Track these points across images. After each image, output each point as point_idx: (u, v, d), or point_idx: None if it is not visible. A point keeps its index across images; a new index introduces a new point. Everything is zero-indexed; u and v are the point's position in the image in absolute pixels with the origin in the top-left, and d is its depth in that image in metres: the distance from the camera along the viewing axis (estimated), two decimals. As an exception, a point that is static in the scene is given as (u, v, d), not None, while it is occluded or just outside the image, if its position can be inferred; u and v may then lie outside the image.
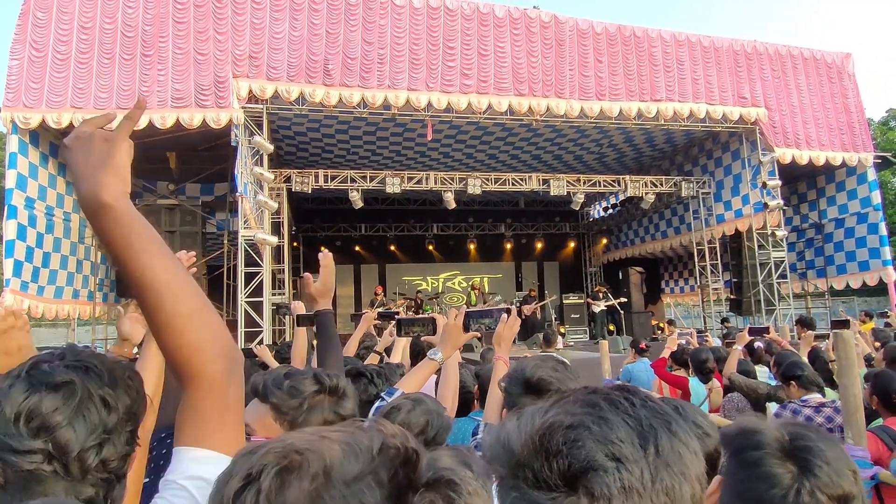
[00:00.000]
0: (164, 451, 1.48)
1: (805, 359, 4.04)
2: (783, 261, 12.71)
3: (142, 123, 9.06)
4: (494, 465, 0.56)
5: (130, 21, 9.40)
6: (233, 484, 0.53)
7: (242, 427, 0.96)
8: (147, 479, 1.40)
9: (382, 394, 1.90)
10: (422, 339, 2.83)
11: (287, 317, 9.71)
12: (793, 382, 3.43)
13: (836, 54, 13.47)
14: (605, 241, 19.34)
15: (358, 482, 0.53)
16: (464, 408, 2.42)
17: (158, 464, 1.45)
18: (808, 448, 0.89)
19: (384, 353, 3.41)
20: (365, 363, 2.94)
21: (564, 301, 15.98)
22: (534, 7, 11.32)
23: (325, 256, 1.94)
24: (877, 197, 13.13)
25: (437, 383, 2.62)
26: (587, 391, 0.59)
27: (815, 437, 0.91)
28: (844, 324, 4.69)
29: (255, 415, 1.35)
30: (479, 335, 2.08)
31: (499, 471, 0.55)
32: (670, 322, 11.95)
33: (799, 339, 5.26)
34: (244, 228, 9.76)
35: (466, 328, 2.04)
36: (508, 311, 2.04)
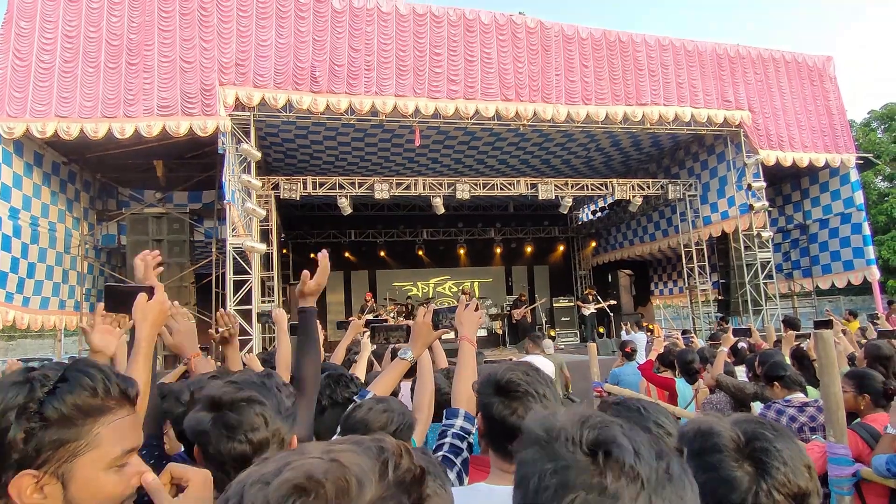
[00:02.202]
0: None
1: (787, 358, 4.10)
2: (769, 261, 12.85)
3: (127, 132, 9.06)
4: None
5: (115, 29, 9.35)
6: None
7: None
8: None
9: (355, 396, 1.91)
10: (397, 345, 2.85)
11: (269, 324, 9.66)
12: (776, 383, 3.48)
13: (817, 57, 13.67)
14: (593, 244, 19.45)
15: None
16: (438, 412, 2.44)
17: None
18: (764, 449, 0.91)
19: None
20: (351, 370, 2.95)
21: (554, 304, 16.05)
22: (519, 13, 11.41)
23: (324, 256, 1.95)
24: (860, 197, 13.31)
25: (412, 390, 2.64)
26: (603, 407, 0.68)
27: (772, 437, 0.92)
28: (827, 324, 4.77)
29: None
30: (450, 331, 2.08)
31: None
32: (637, 323, 12.12)
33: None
34: (232, 236, 9.72)
35: (436, 325, 2.04)
36: (467, 301, 2.05)
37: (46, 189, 10.11)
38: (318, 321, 1.96)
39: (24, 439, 0.83)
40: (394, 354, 2.66)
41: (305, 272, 1.89)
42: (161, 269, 1.76)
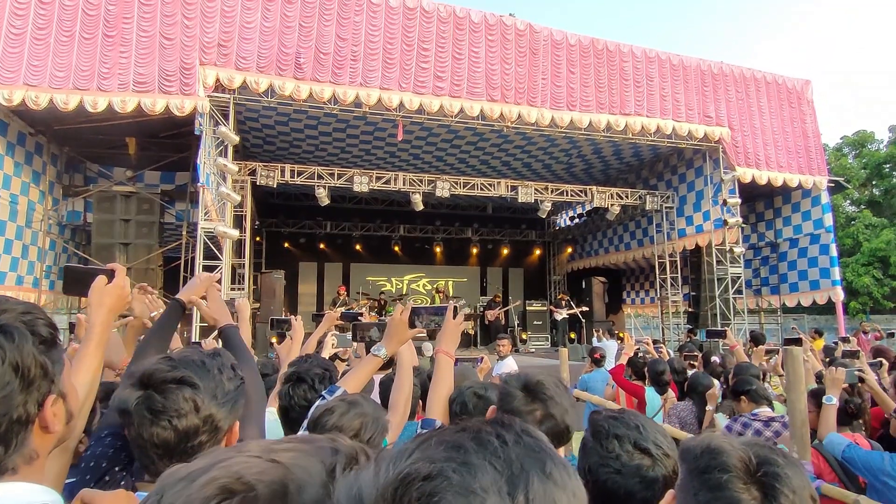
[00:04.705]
0: (98, 449, 1.39)
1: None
2: (739, 277, 13.08)
3: (100, 106, 8.75)
4: None
5: (93, -1, 9.04)
6: None
7: None
8: (72, 480, 1.32)
9: (323, 392, 1.83)
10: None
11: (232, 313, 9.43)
12: (743, 397, 3.50)
13: (796, 80, 13.97)
14: (569, 250, 19.58)
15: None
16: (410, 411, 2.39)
17: (88, 463, 1.36)
18: (775, 475, 0.86)
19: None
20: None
21: (527, 308, 16.10)
22: (510, 14, 11.38)
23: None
24: (829, 219, 13.65)
25: (381, 383, 2.58)
26: (457, 428, 0.51)
27: (783, 463, 0.88)
28: (797, 341, 4.82)
29: None
30: (424, 331, 2.03)
31: None
32: (609, 331, 12.21)
33: (750, 352, 5.40)
34: (204, 220, 9.48)
35: (412, 324, 1.98)
36: (456, 309, 2.00)
37: (10, 159, 9.71)
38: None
39: (45, 364, 0.89)
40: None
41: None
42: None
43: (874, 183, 31.67)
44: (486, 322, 15.05)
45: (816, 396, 3.13)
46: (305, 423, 1.67)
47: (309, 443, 0.54)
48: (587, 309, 14.54)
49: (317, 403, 1.74)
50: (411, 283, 18.84)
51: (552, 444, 1.49)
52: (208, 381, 1.18)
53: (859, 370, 3.26)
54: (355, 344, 3.35)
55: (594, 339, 10.66)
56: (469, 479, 0.45)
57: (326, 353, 3.25)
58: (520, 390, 1.48)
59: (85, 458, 1.35)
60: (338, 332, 3.58)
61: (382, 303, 15.11)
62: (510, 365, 6.44)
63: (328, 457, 0.53)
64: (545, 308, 16.03)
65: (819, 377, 3.91)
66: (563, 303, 14.95)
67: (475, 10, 11.07)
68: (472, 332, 15.81)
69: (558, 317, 14.70)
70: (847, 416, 3.02)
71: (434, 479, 0.45)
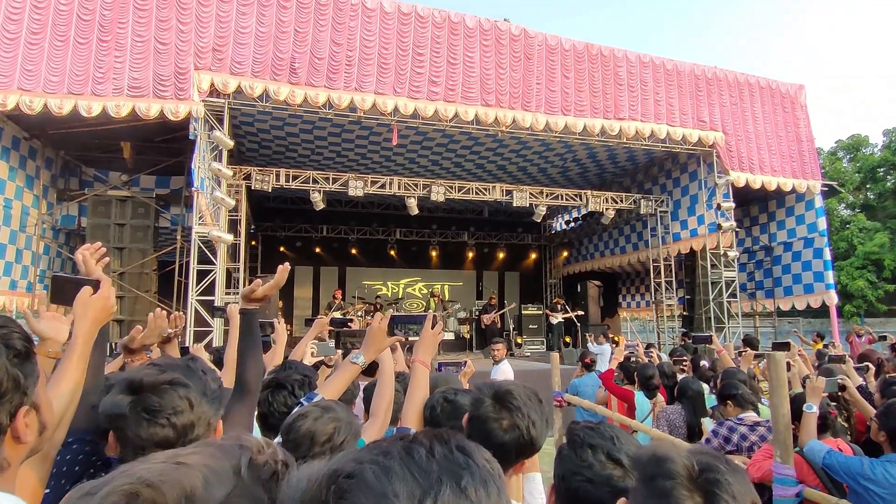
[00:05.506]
0: (67, 456, 1.41)
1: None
2: (734, 280, 13.12)
3: (95, 110, 8.76)
4: None
5: (88, 4, 9.05)
6: None
7: None
8: (48, 490, 1.34)
9: (302, 399, 1.86)
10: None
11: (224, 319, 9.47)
12: (729, 401, 3.53)
13: (790, 85, 14.05)
14: (565, 253, 19.62)
15: None
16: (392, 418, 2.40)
17: (61, 469, 1.38)
18: (715, 481, 0.89)
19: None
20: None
21: (523, 311, 16.11)
22: (504, 20, 11.43)
23: (283, 270, 1.93)
24: (823, 223, 13.71)
25: (364, 389, 2.59)
26: (398, 437, 0.55)
27: (724, 470, 0.91)
28: (784, 346, 4.85)
29: None
30: (402, 339, 2.07)
31: None
32: (603, 334, 12.20)
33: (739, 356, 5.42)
34: (199, 224, 9.49)
35: (391, 332, 2.01)
36: (434, 318, 2.02)
37: (4, 164, 9.71)
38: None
39: (17, 377, 0.90)
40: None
41: (258, 280, 1.87)
42: (106, 260, 1.67)
43: (868, 186, 31.84)
44: (483, 326, 15.06)
45: (794, 404, 3.15)
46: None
47: (214, 444, 0.57)
48: (582, 313, 14.57)
49: (295, 410, 1.76)
50: (407, 286, 18.85)
51: (515, 456, 1.51)
52: (196, 380, 1.24)
53: (840, 378, 3.29)
54: (339, 351, 3.37)
55: (589, 343, 10.67)
56: (384, 483, 0.49)
57: (307, 362, 3.26)
58: (490, 398, 1.49)
59: (57, 463, 1.37)
60: (317, 341, 3.58)
61: (378, 307, 15.12)
62: (506, 370, 6.46)
63: (234, 453, 0.55)
64: (541, 312, 16.05)
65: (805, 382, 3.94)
66: (559, 306, 14.98)
67: (469, 16, 11.13)
68: (467, 335, 15.83)
69: (554, 320, 14.72)
70: (823, 425, 3.05)
71: (353, 477, 0.49)
